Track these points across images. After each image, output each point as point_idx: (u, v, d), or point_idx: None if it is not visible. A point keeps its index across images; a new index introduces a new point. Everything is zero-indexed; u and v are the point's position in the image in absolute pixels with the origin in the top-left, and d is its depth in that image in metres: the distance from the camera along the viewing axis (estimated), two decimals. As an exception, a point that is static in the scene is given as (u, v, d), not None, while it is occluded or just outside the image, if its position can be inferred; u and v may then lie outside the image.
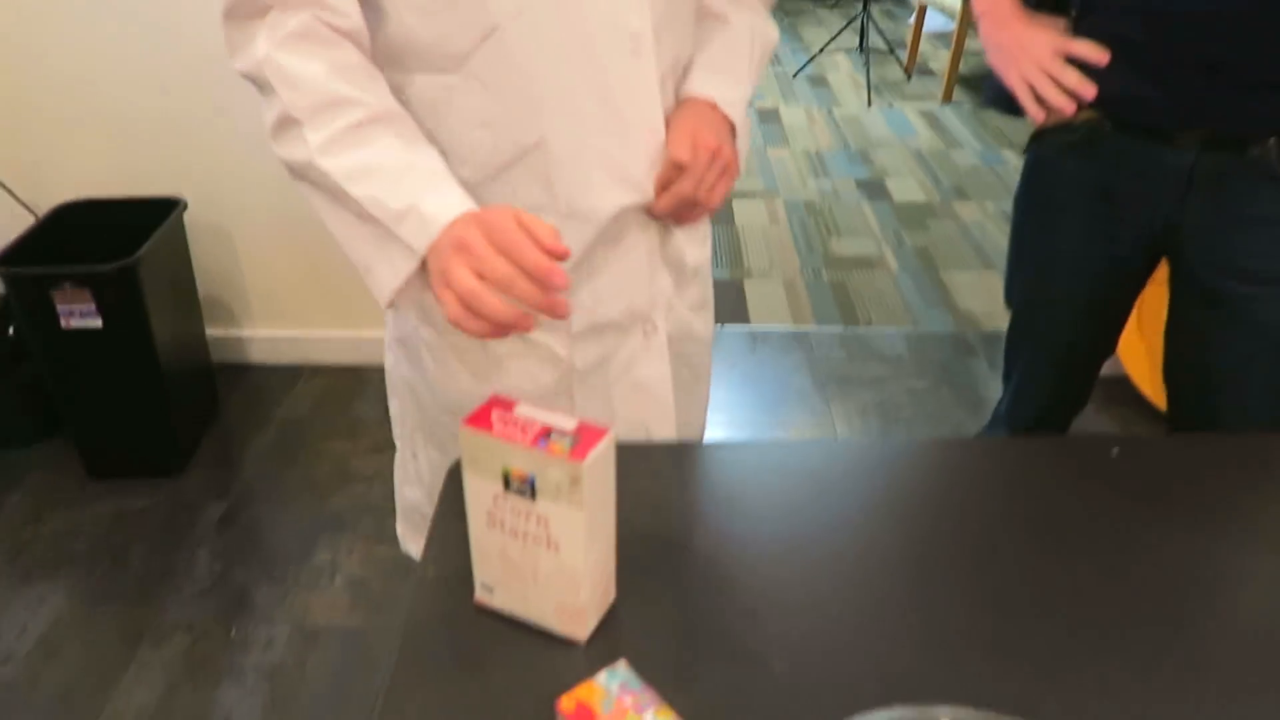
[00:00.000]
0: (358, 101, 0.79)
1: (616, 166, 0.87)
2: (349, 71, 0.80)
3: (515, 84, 0.82)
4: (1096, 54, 1.07)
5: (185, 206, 2.06)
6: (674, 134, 0.89)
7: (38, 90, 2.03)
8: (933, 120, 4.14)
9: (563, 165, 0.85)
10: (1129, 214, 1.16)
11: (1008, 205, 3.23)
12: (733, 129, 0.96)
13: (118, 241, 1.90)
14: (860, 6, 4.87)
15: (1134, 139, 1.11)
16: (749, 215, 3.27)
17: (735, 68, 0.98)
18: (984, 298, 2.75)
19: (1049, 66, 1.09)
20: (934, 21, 5.07)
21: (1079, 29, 1.11)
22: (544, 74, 0.82)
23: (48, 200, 2.06)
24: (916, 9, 4.76)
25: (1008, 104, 1.19)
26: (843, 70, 4.83)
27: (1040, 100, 1.10)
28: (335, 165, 0.78)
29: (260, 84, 0.81)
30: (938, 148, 3.82)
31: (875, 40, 4.93)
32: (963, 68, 4.78)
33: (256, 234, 2.22)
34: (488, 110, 0.83)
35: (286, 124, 0.79)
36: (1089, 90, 1.07)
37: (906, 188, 3.46)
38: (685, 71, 0.95)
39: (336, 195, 0.79)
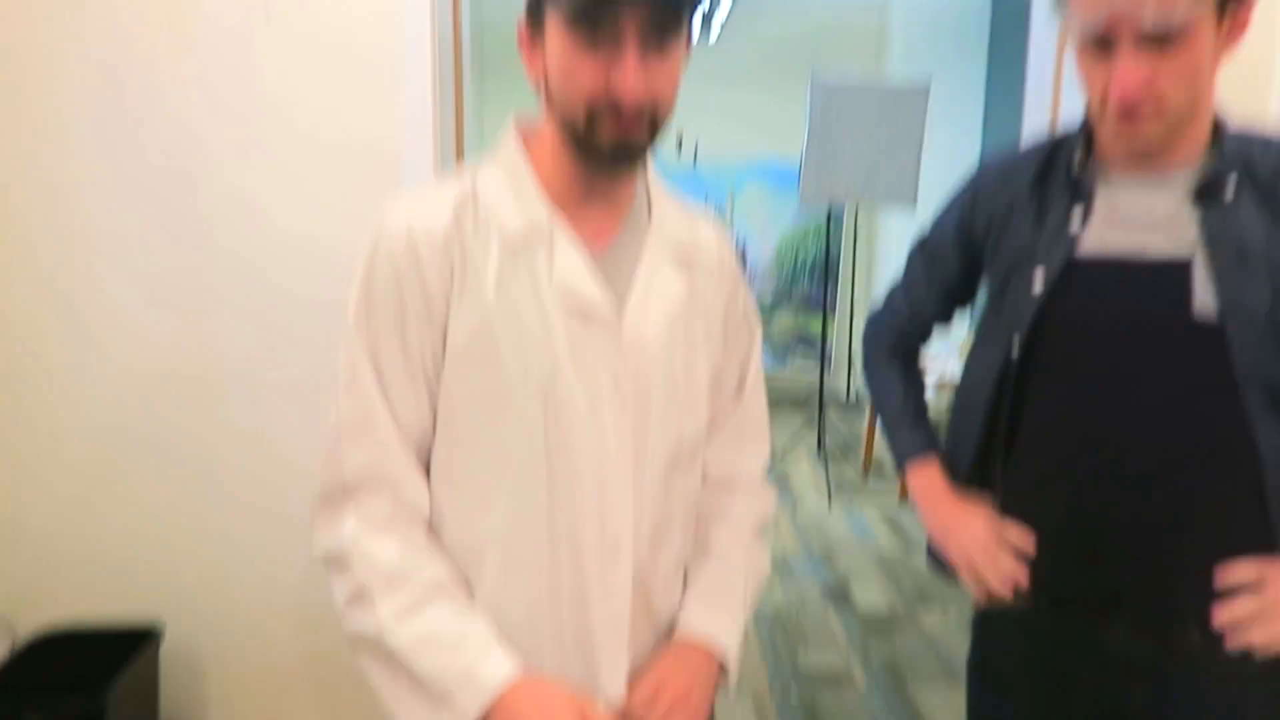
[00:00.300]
0: (423, 578, 0.92)
1: (578, 678, 0.96)
2: (419, 550, 0.94)
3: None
4: (1025, 543, 1.20)
5: (160, 638, 2.08)
6: (644, 676, 0.98)
7: (32, 508, 2.13)
8: (891, 522, 4.32)
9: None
10: (1077, 695, 1.21)
11: (969, 612, 3.30)
12: (722, 667, 1.05)
13: (93, 671, 1.91)
14: (817, 408, 5.27)
15: (1071, 620, 1.19)
16: (717, 624, 3.30)
17: (730, 604, 1.08)
18: (956, 718, 2.72)
19: (984, 553, 1.21)
20: (886, 422, 5.46)
21: (1005, 510, 1.23)
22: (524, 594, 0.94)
23: (31, 612, 2.08)
24: (867, 412, 5.15)
25: (946, 570, 1.30)
26: (804, 470, 5.11)
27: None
28: (400, 640, 0.90)
29: (340, 563, 0.94)
30: (897, 553, 3.96)
31: (832, 441, 5.27)
32: (916, 467, 5.09)
33: (233, 669, 2.21)
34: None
35: (361, 597, 0.91)
36: (1023, 580, 1.18)
37: (870, 594, 3.54)
38: (681, 598, 1.06)
39: (397, 665, 0.90)
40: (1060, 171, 1.19)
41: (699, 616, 1.05)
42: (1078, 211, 1.16)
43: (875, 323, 1.49)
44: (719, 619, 1.06)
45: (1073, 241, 1.15)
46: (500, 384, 0.95)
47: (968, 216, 1.30)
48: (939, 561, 1.34)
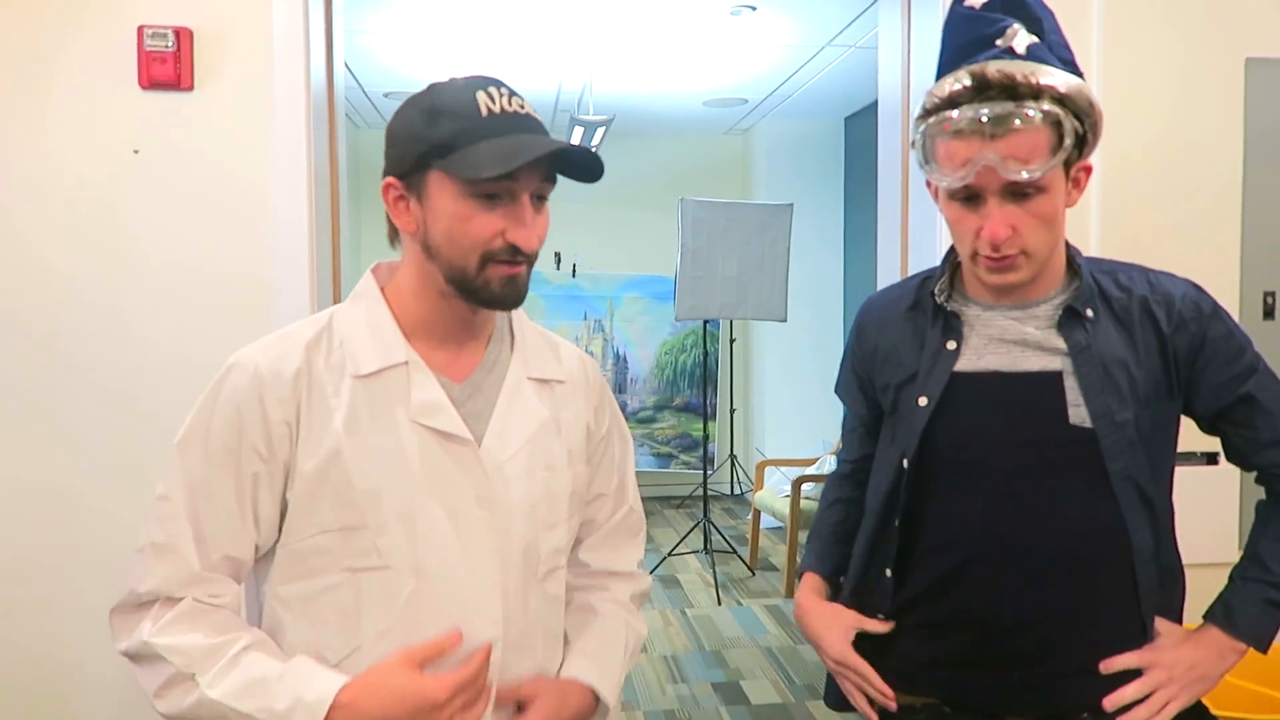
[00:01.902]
0: (234, 641, 0.99)
1: None
2: (224, 625, 1.01)
3: None
4: (880, 626, 1.30)
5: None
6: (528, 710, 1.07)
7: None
8: (779, 615, 4.44)
9: None
10: None
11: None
12: (599, 710, 1.13)
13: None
14: (701, 510, 5.41)
15: (972, 717, 1.26)
16: (614, 729, 3.31)
17: (611, 657, 1.17)
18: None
19: (845, 668, 1.30)
20: (770, 519, 5.64)
21: (904, 615, 1.30)
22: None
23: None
24: (752, 511, 5.32)
25: (842, 700, 1.37)
26: (692, 569, 5.21)
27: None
28: (222, 692, 0.95)
29: (147, 657, 0.99)
30: (786, 644, 4.07)
31: (718, 539, 5.40)
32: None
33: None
34: None
35: (176, 681, 0.97)
36: (890, 703, 1.28)
37: (762, 690, 3.63)
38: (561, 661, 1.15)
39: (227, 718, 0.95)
40: (928, 304, 1.31)
41: (580, 665, 1.14)
42: (951, 334, 1.27)
43: (839, 466, 1.55)
44: (600, 668, 1.15)
45: (951, 359, 1.26)
46: (353, 510, 1.02)
47: (857, 355, 1.41)
48: (835, 692, 1.40)
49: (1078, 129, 1.14)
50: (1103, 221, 2.09)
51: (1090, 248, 2.04)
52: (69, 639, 2.03)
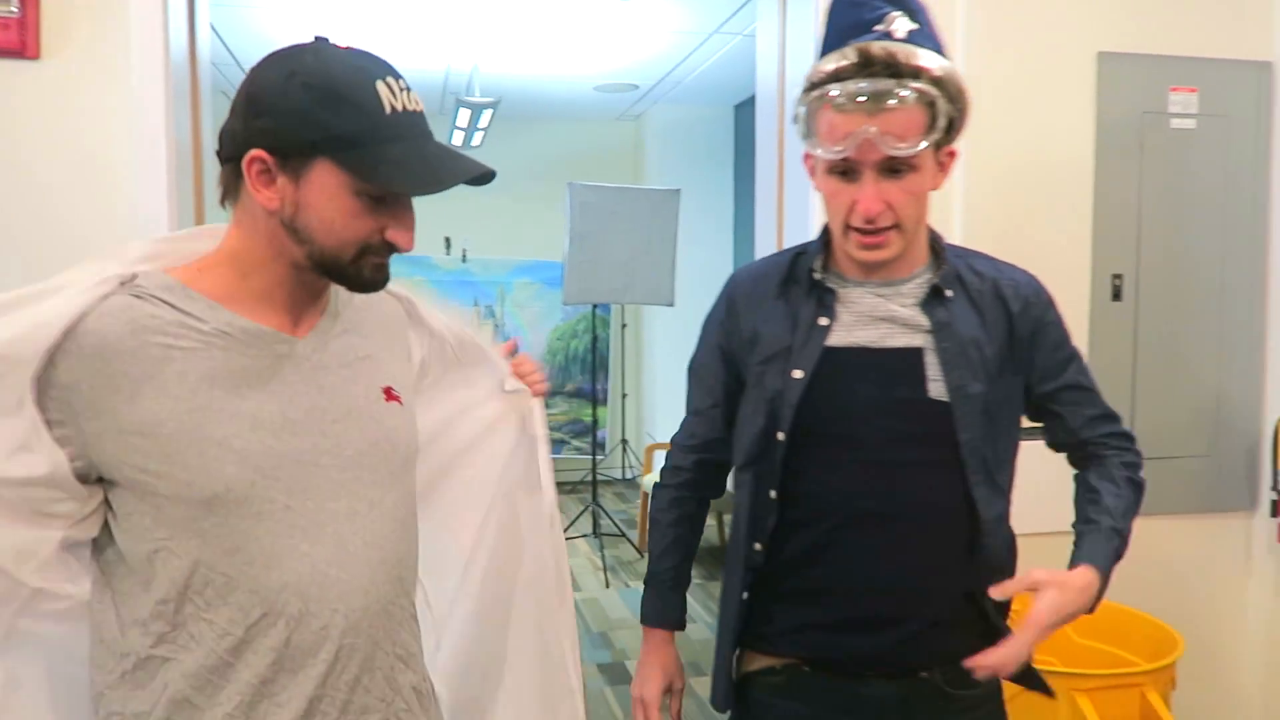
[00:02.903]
0: None
1: None
2: None
3: None
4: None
5: None
6: None
7: None
8: (668, 597, 4.50)
9: None
10: None
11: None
12: None
13: None
14: (591, 494, 5.43)
15: (830, 677, 1.32)
16: None
17: None
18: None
19: (644, 712, 1.40)
20: (660, 504, 5.69)
21: (778, 582, 1.34)
22: None
23: None
24: (642, 494, 5.36)
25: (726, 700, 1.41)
26: (581, 553, 5.22)
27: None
28: None
29: None
30: (675, 625, 4.12)
31: (607, 523, 5.43)
32: (689, 544, 5.32)
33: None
34: None
35: None
36: None
37: (650, 669, 3.67)
38: None
39: None
40: (803, 279, 1.34)
41: None
42: (824, 310, 1.31)
43: (673, 452, 1.51)
44: None
45: (823, 334, 1.30)
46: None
47: (726, 326, 1.41)
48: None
49: (950, 112, 1.21)
50: (965, 209, 2.18)
51: (954, 234, 2.12)
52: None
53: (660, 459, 5.31)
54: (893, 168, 1.19)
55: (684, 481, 1.47)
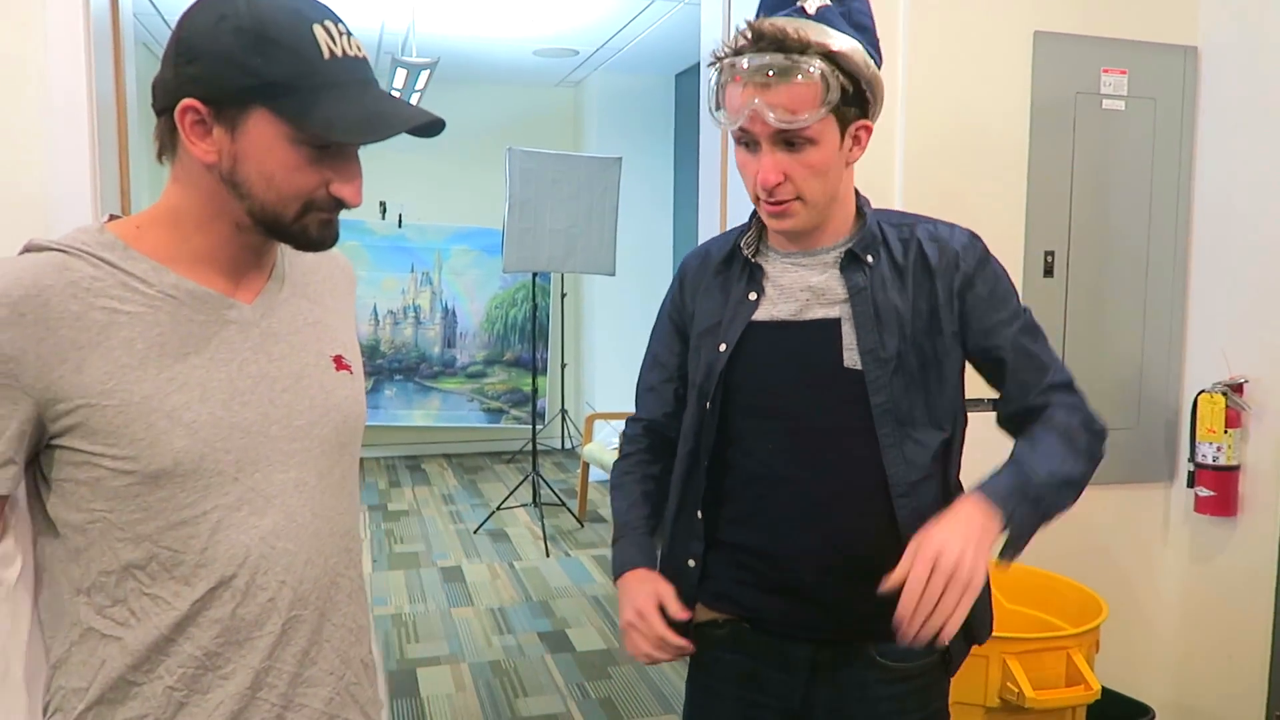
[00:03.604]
0: None
1: None
2: None
3: None
4: (680, 613, 1.32)
5: None
6: None
7: None
8: (606, 564, 4.52)
9: None
10: (772, 696, 1.38)
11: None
12: None
13: None
14: (531, 464, 5.42)
15: (768, 637, 1.36)
16: (434, 684, 3.31)
17: None
18: (666, 744, 2.90)
19: (640, 620, 1.32)
20: (599, 471, 5.71)
21: (714, 547, 1.38)
22: None
23: None
24: (581, 464, 5.37)
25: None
26: (521, 523, 5.22)
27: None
28: None
29: None
30: (612, 593, 4.15)
31: (547, 493, 5.43)
32: (627, 513, 5.35)
33: None
34: None
35: None
36: (664, 650, 1.31)
37: (587, 636, 3.69)
38: None
39: None
40: (739, 255, 1.38)
41: None
42: (754, 286, 1.35)
43: (629, 426, 1.54)
44: None
45: (750, 309, 1.33)
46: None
47: (678, 303, 1.47)
48: None
49: (846, 86, 1.21)
50: (905, 183, 2.20)
51: (892, 206, 2.15)
52: None
53: (600, 429, 5.35)
54: (789, 140, 1.22)
55: (640, 449, 1.51)
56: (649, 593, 1.37)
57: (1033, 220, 2.31)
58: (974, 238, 1.35)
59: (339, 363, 1.09)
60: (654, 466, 1.50)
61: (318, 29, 0.93)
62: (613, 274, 5.16)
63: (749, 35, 1.22)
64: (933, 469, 1.32)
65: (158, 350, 0.95)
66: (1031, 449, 1.26)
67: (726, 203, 2.32)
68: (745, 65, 1.21)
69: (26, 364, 0.90)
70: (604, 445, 5.12)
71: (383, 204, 6.38)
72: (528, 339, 6.51)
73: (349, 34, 0.97)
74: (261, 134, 0.93)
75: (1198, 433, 2.33)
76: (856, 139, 1.28)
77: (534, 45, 5.63)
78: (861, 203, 1.36)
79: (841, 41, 1.22)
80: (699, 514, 1.39)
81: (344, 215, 1.02)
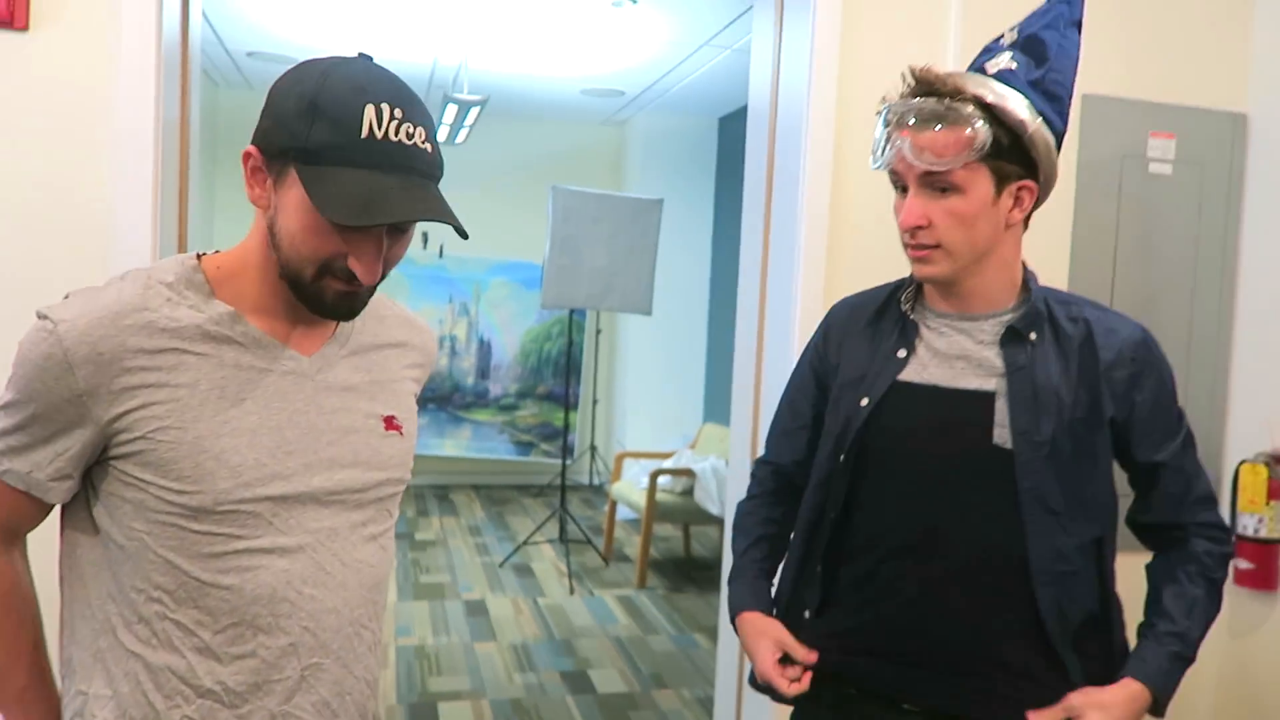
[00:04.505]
0: None
1: None
2: None
3: None
4: (806, 655, 1.33)
5: None
6: None
7: None
8: (630, 606, 4.50)
9: None
10: None
11: (703, 691, 3.51)
12: None
13: None
14: (559, 499, 5.42)
15: (876, 706, 1.32)
16: (455, 719, 3.29)
17: None
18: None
19: (770, 672, 1.33)
20: (626, 510, 5.70)
21: (818, 619, 1.36)
22: None
23: None
24: (609, 501, 5.36)
25: (769, 690, 1.39)
26: (547, 558, 5.21)
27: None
28: None
29: None
30: (636, 634, 4.12)
31: (574, 529, 5.42)
32: (654, 553, 5.33)
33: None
34: None
35: None
36: (795, 688, 1.32)
37: (609, 678, 3.67)
38: None
39: None
40: (894, 309, 1.37)
41: None
42: (904, 343, 1.33)
43: (758, 467, 1.54)
44: None
45: (898, 367, 1.31)
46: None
47: (820, 351, 1.45)
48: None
49: (1001, 139, 1.21)
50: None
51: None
52: None
53: (629, 467, 5.35)
54: (935, 185, 1.22)
55: (766, 491, 1.51)
56: (771, 646, 1.36)
57: (1076, 282, 2.30)
58: (1147, 335, 1.32)
59: (389, 423, 1.12)
60: (777, 509, 1.49)
61: (369, 108, 0.94)
62: (649, 313, 5.18)
63: (911, 82, 1.25)
64: (1083, 564, 1.28)
65: (217, 393, 0.99)
66: (1188, 611, 1.28)
67: (769, 247, 2.33)
68: (902, 106, 1.23)
69: (99, 397, 0.96)
70: (632, 484, 5.12)
71: (425, 234, 6.47)
72: (561, 374, 6.54)
73: (407, 117, 0.96)
74: (293, 193, 0.96)
75: (1239, 504, 2.28)
76: (1017, 199, 1.25)
77: (581, 85, 5.72)
78: (1029, 276, 1.33)
79: (999, 94, 1.21)
80: (819, 567, 1.37)
81: (369, 284, 1.00)
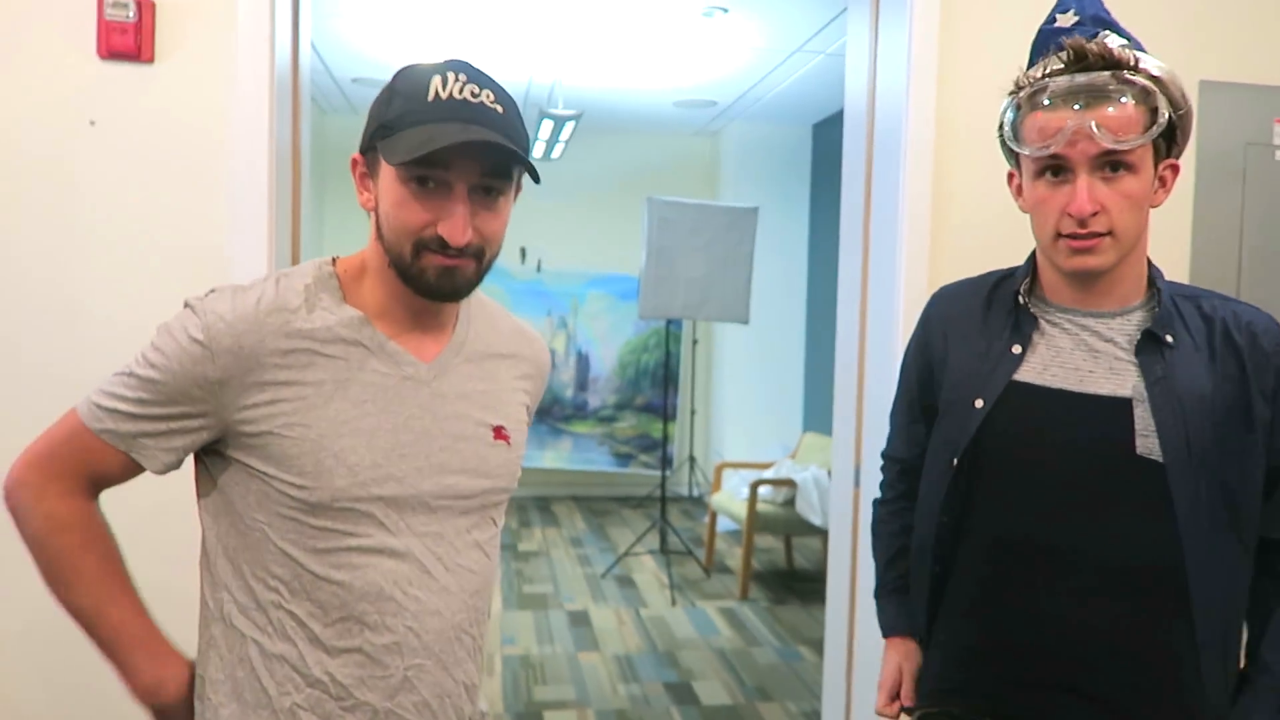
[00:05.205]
0: None
1: None
2: None
3: None
4: (903, 697, 1.36)
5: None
6: None
7: None
8: (732, 618, 4.46)
9: None
10: None
11: (809, 705, 3.45)
12: None
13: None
14: (660, 511, 5.42)
15: None
16: (563, 726, 3.32)
17: None
18: (792, 806, 2.81)
19: (881, 707, 1.36)
20: (726, 521, 5.66)
21: (951, 616, 1.31)
22: None
23: None
24: (709, 512, 5.34)
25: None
26: (648, 569, 5.21)
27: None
28: None
29: None
30: (739, 646, 4.08)
31: (674, 540, 5.41)
32: (756, 565, 5.28)
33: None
34: None
35: None
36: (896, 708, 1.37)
37: (713, 690, 3.64)
38: None
39: None
40: (1005, 301, 1.27)
41: None
42: (1019, 338, 1.24)
43: (885, 465, 1.49)
44: None
45: (1013, 365, 1.23)
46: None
47: (921, 342, 1.38)
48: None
49: (1170, 116, 1.13)
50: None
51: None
52: (26, 625, 1.98)
53: (729, 478, 5.32)
54: (1108, 166, 1.12)
55: (899, 494, 1.46)
56: (890, 675, 1.39)
57: (1198, 275, 2.19)
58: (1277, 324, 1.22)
59: (498, 433, 1.14)
60: (911, 516, 1.41)
61: (435, 78, 1.00)
62: (747, 322, 5.15)
63: (1069, 56, 1.14)
64: (1242, 578, 1.20)
65: (341, 394, 1.04)
66: None
67: (869, 253, 2.29)
68: (1068, 84, 1.12)
69: (231, 388, 1.01)
70: (732, 495, 5.08)
71: (523, 249, 6.59)
72: (659, 385, 6.56)
73: (471, 80, 1.01)
74: (383, 174, 1.03)
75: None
76: (1162, 180, 1.18)
77: (674, 97, 5.74)
78: (1154, 271, 1.24)
79: (1160, 67, 1.14)
80: (937, 569, 1.32)
81: (460, 246, 1.02)
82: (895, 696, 1.40)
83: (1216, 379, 1.17)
